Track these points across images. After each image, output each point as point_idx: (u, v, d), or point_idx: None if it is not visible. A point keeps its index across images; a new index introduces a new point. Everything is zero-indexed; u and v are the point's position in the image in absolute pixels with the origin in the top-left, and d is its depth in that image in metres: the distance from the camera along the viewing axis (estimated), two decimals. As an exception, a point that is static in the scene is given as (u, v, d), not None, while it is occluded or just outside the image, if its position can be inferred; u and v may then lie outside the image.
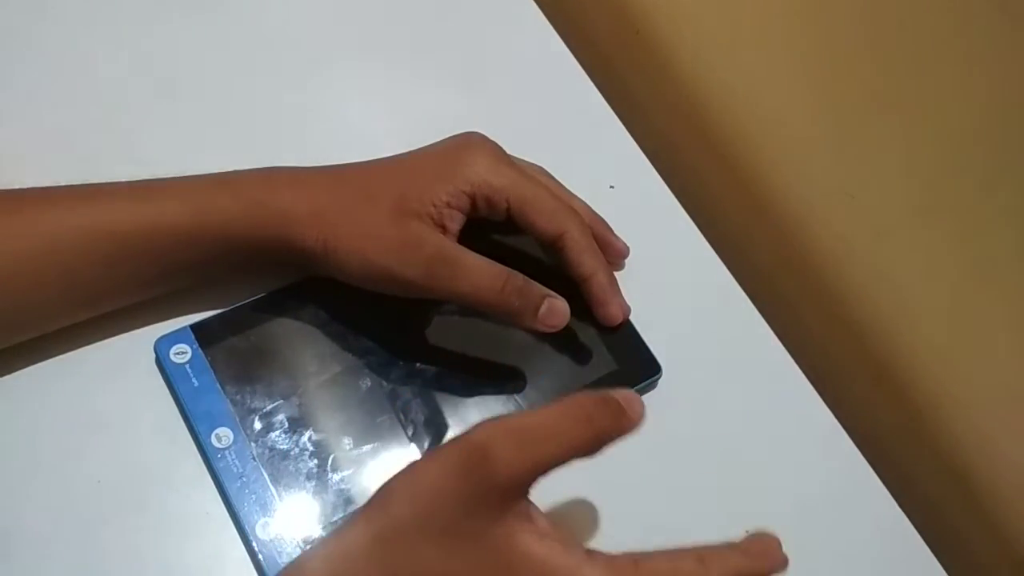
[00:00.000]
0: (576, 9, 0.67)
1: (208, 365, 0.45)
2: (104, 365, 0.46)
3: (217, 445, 0.44)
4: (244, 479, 0.43)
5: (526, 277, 0.45)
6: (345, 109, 0.54)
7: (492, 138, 0.48)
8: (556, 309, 0.45)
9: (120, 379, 0.45)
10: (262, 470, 0.43)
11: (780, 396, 0.52)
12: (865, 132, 0.52)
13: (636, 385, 0.48)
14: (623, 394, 0.36)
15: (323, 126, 0.54)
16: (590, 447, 0.35)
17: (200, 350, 0.45)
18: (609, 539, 0.44)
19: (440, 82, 0.58)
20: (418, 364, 0.47)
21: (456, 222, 0.46)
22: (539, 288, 0.45)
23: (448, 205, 0.45)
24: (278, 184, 0.45)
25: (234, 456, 0.43)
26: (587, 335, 0.49)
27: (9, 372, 0.44)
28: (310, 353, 0.47)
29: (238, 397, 0.45)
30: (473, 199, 0.46)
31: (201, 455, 0.44)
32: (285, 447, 0.44)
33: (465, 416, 0.46)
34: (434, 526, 0.34)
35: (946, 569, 0.48)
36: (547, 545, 0.34)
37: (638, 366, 0.49)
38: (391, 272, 0.44)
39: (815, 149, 0.56)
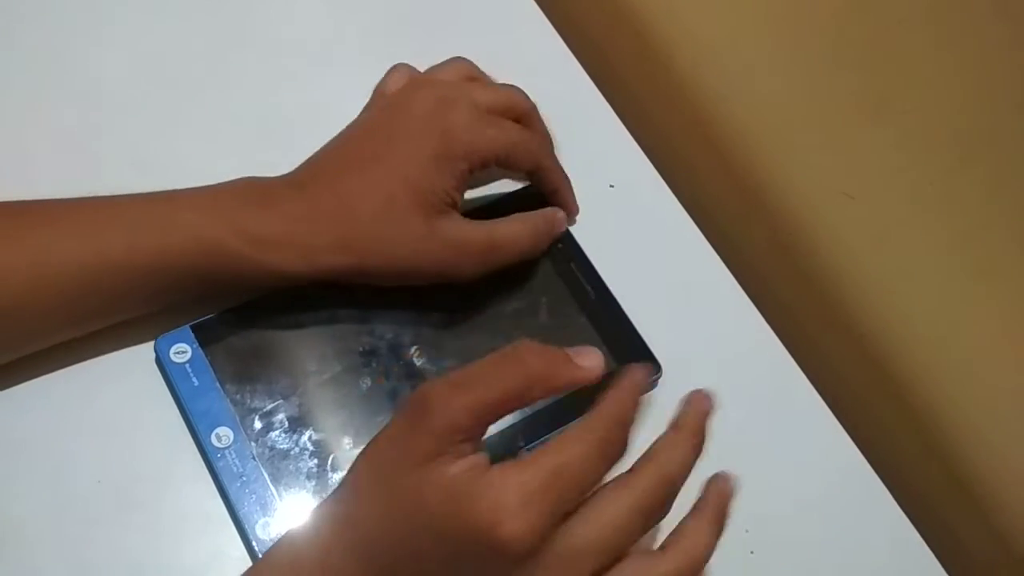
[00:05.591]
0: (576, 9, 0.67)
1: (208, 364, 0.45)
2: (104, 365, 0.46)
3: (217, 445, 0.43)
4: (244, 479, 0.43)
5: (540, 211, 0.50)
6: (345, 109, 0.54)
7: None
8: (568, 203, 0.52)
9: (120, 379, 0.45)
10: (262, 470, 0.43)
11: (780, 396, 0.52)
12: (865, 133, 0.52)
13: None
14: (576, 349, 0.36)
15: (323, 126, 0.54)
16: (524, 390, 0.35)
17: (200, 349, 0.45)
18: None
19: (440, 82, 0.58)
20: (418, 363, 0.47)
21: (462, 195, 0.47)
22: (550, 210, 0.50)
23: (456, 189, 0.46)
24: (277, 212, 0.44)
25: (234, 456, 0.43)
26: (586, 335, 0.49)
27: (9, 373, 0.44)
28: (310, 352, 0.47)
29: (238, 396, 0.45)
30: (471, 170, 0.46)
31: (201, 455, 0.44)
32: (285, 447, 0.44)
33: None
34: (383, 485, 0.35)
35: (946, 569, 0.48)
36: (462, 466, 0.33)
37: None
38: (445, 275, 0.46)
39: (815, 149, 0.56)
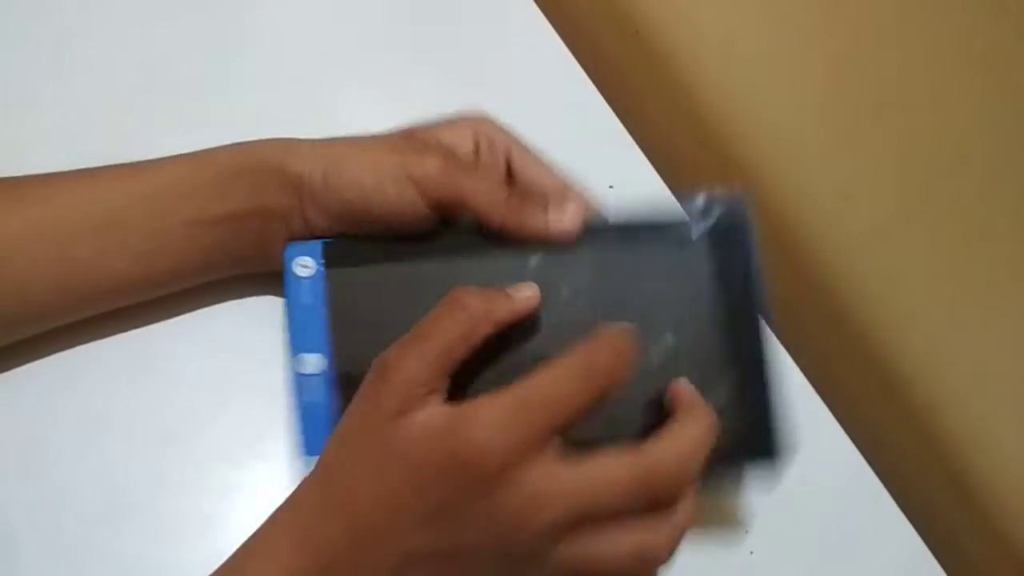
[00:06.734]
0: (576, 9, 0.67)
1: (323, 287, 0.43)
2: (105, 364, 0.46)
3: (300, 370, 0.42)
4: (317, 408, 0.41)
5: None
6: (345, 109, 0.54)
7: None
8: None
9: (121, 379, 0.45)
10: (335, 408, 0.41)
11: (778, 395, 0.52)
12: (863, 132, 0.52)
13: None
14: (513, 285, 0.39)
15: (323, 126, 0.54)
16: (471, 329, 0.36)
17: (323, 271, 0.43)
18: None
19: (440, 82, 0.58)
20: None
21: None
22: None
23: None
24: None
25: (316, 383, 0.42)
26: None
27: (10, 370, 0.44)
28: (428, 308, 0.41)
29: (340, 332, 0.42)
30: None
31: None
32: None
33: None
34: (356, 452, 0.35)
35: (945, 569, 0.48)
36: (429, 412, 0.34)
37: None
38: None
39: (813, 149, 0.56)
